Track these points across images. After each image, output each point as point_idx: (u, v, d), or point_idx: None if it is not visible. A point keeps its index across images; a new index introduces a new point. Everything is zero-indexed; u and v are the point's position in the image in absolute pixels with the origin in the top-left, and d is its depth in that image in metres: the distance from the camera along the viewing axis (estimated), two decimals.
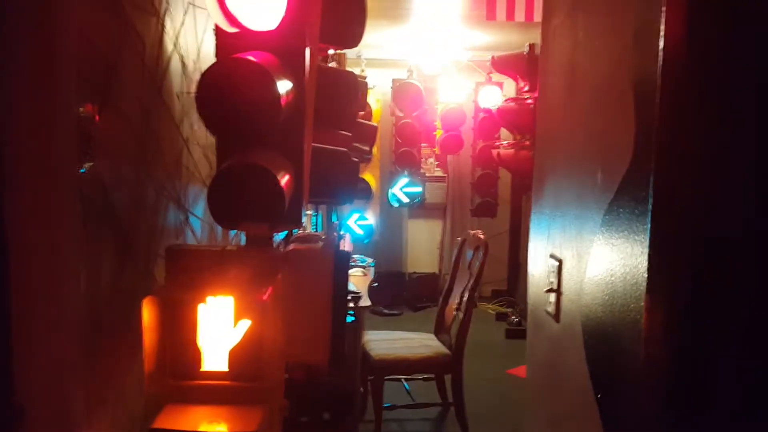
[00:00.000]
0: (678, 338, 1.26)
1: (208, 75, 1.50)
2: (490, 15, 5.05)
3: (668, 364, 1.26)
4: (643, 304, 1.26)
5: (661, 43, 1.20)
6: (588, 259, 1.60)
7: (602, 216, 1.50)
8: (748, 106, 1.23)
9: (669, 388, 1.27)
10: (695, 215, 1.24)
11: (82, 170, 1.49)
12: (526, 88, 6.28)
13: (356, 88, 2.18)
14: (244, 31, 1.60)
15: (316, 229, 5.08)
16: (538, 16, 4.91)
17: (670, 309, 1.26)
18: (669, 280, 1.25)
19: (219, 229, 2.67)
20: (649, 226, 1.24)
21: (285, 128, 1.59)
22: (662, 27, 1.20)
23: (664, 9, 1.19)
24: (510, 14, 5.01)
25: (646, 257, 1.25)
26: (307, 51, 1.65)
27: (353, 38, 2.04)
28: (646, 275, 1.25)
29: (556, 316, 1.86)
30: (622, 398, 1.42)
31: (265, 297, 1.53)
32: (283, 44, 1.60)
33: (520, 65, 6.24)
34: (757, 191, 1.24)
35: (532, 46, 6.08)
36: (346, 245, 5.00)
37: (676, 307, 1.25)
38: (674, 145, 1.22)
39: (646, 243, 1.25)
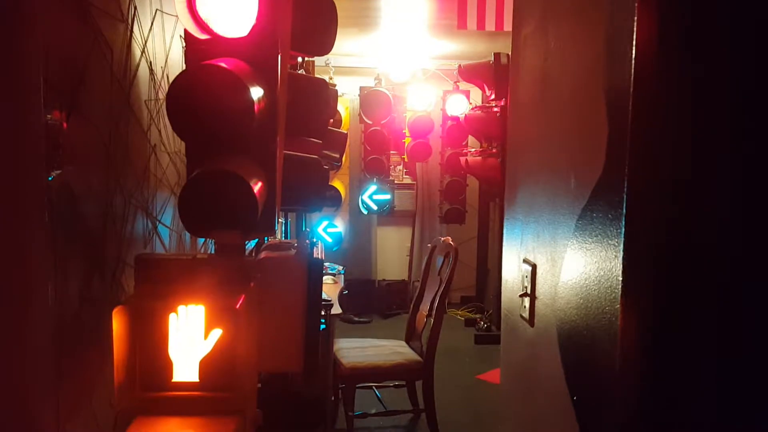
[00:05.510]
0: (653, 340, 1.28)
1: (179, 82, 1.48)
2: (461, 24, 5.12)
3: (644, 366, 1.28)
4: (618, 306, 1.28)
5: (634, 51, 1.23)
6: (562, 263, 1.62)
7: (576, 221, 1.52)
8: (719, 110, 1.26)
9: (645, 390, 1.29)
10: (669, 219, 1.26)
11: (49, 178, 1.46)
12: (493, 97, 6.36)
13: (327, 95, 2.18)
14: (215, 38, 1.58)
15: (286, 236, 5.05)
16: (507, 26, 4.99)
17: (645, 312, 1.28)
18: (644, 283, 1.27)
19: (187, 237, 2.64)
20: (623, 230, 1.26)
21: (257, 135, 1.58)
22: (634, 34, 1.22)
23: (636, 17, 1.22)
24: (481, 23, 5.09)
25: (620, 261, 1.27)
26: (279, 58, 1.64)
27: (324, 46, 2.04)
28: (620, 278, 1.27)
29: (531, 320, 1.87)
30: (598, 401, 1.43)
31: (237, 306, 1.52)
32: (255, 51, 1.59)
33: (486, 74, 6.31)
34: (730, 194, 1.27)
35: (497, 55, 6.15)
36: (319, 253, 4.98)
37: (651, 309, 1.27)
38: (647, 150, 1.24)
39: (621, 247, 1.27)
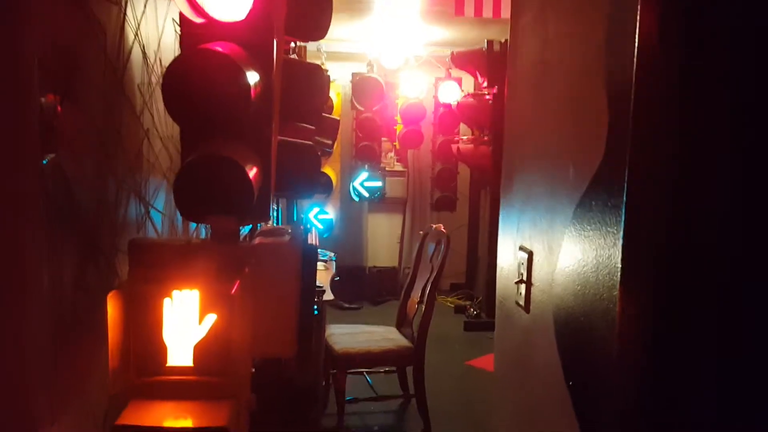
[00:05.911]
0: (653, 340, 1.28)
1: (174, 66, 1.47)
2: (459, 11, 5.10)
3: (643, 365, 1.29)
4: (615, 293, 1.29)
5: (636, 41, 1.22)
6: (559, 250, 1.62)
7: (574, 209, 1.52)
8: (721, 101, 1.26)
9: (644, 389, 1.29)
10: (668, 208, 1.26)
11: (44, 161, 1.45)
12: (485, 84, 6.35)
13: (322, 80, 2.16)
14: (211, 22, 1.57)
15: (277, 222, 5.04)
16: (505, 13, 4.97)
17: (643, 299, 1.28)
18: (643, 270, 1.27)
19: (180, 222, 2.63)
20: (623, 218, 1.26)
21: (253, 120, 1.57)
22: (637, 25, 1.22)
23: (639, 7, 1.21)
24: (478, 10, 5.07)
25: (619, 248, 1.28)
26: (275, 42, 1.63)
27: (319, 30, 2.02)
28: (619, 266, 1.28)
29: (527, 307, 1.88)
30: (595, 387, 1.44)
31: (232, 291, 1.52)
32: (251, 35, 1.58)
33: (479, 61, 6.30)
34: (729, 184, 1.27)
35: (490, 43, 6.15)
36: (313, 239, 4.98)
37: (650, 296, 1.28)
38: (648, 140, 1.24)
39: (620, 235, 1.27)
